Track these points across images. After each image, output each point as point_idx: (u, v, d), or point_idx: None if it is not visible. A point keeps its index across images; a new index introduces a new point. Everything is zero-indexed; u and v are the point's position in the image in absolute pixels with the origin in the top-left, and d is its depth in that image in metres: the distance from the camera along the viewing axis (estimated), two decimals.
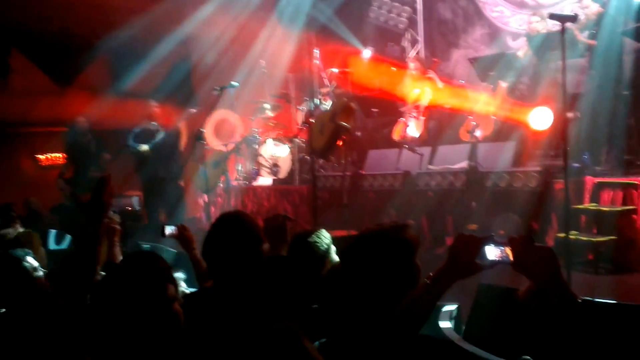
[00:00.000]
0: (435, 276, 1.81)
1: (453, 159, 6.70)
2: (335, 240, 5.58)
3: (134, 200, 9.70)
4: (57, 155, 10.88)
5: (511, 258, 1.74)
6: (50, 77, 9.94)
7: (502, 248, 1.77)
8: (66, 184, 8.90)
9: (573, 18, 4.45)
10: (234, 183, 9.21)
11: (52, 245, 5.85)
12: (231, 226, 2.52)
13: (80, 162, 8.91)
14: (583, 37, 6.41)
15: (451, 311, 3.15)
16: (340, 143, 7.27)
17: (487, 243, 1.79)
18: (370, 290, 1.89)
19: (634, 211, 5.34)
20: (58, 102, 9.78)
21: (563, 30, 4.24)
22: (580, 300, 1.76)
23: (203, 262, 2.69)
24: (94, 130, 9.00)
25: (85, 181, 8.59)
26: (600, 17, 6.35)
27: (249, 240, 2.48)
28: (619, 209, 5.46)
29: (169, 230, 3.40)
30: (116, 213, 3.61)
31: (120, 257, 3.28)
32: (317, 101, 8.57)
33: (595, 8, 6.38)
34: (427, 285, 1.81)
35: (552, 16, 4.42)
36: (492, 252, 1.78)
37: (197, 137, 6.42)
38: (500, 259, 1.77)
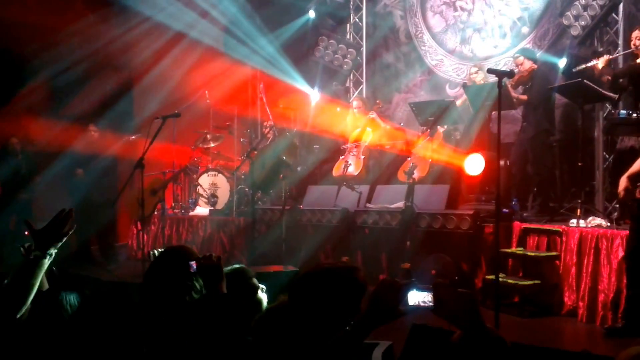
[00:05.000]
0: (356, 322, 1.82)
1: (390, 198, 6.84)
2: (273, 275, 5.57)
3: None
4: None
5: (432, 303, 1.79)
6: None
7: (425, 293, 1.81)
8: None
9: (510, 74, 4.69)
10: (170, 212, 9.06)
11: None
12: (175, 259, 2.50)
13: (9, 183, 8.59)
14: (517, 92, 6.74)
15: (383, 350, 3.18)
16: (281, 177, 7.30)
17: (410, 289, 1.82)
18: (315, 326, 1.90)
19: (557, 257, 5.58)
20: None
21: (500, 84, 4.45)
22: (509, 345, 1.81)
23: None
24: (27, 152, 8.72)
25: (13, 203, 8.31)
26: (533, 74, 6.72)
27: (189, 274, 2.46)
28: (543, 254, 5.70)
29: None
30: None
31: (46, 284, 3.14)
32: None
33: (528, 65, 6.74)
34: (347, 331, 1.82)
35: (490, 70, 4.65)
36: (414, 298, 1.82)
37: (136, 165, 6.29)
38: (422, 304, 1.82)
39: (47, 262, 2.41)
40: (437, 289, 1.77)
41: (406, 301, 1.81)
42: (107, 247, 8.70)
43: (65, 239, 2.44)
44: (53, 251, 2.41)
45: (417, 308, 1.80)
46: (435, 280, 1.78)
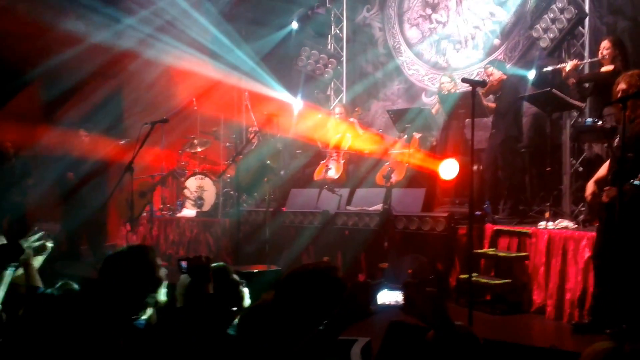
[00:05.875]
0: (329, 321, 1.79)
1: (369, 201, 6.80)
2: (257, 274, 5.49)
3: (55, 226, 9.24)
4: None
5: (402, 302, 1.77)
6: None
7: (397, 293, 1.80)
8: None
9: (482, 83, 4.67)
10: (158, 213, 8.96)
11: None
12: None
13: (2, 186, 8.49)
14: (487, 101, 6.76)
15: (362, 346, 3.14)
16: (265, 181, 7.24)
17: (380, 289, 1.81)
18: (298, 322, 1.88)
19: (527, 257, 5.57)
20: None
21: (473, 93, 4.43)
22: (482, 341, 1.79)
23: None
24: (20, 156, 8.63)
25: (6, 205, 8.27)
26: (503, 84, 6.73)
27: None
28: (513, 254, 5.69)
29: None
30: (50, 237, 3.32)
31: (40, 282, 3.07)
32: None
33: (498, 75, 6.77)
34: (320, 330, 1.79)
35: (464, 80, 4.62)
36: (385, 297, 1.81)
37: (125, 168, 6.20)
38: (392, 303, 1.80)
39: (9, 273, 2.34)
40: (406, 289, 1.76)
41: (376, 301, 1.79)
42: (97, 247, 8.58)
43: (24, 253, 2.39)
44: (13, 267, 2.34)
45: (388, 307, 1.79)
46: (405, 280, 1.81)
